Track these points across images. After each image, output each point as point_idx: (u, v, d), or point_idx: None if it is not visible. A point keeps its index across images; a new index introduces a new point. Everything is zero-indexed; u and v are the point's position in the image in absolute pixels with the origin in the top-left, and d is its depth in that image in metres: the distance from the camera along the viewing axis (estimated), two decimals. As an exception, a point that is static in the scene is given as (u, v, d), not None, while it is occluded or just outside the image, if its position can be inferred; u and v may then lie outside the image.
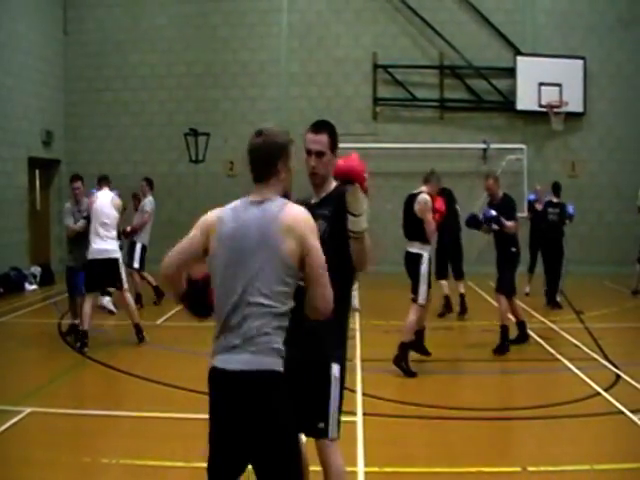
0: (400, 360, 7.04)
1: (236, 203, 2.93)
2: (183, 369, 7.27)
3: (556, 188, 11.67)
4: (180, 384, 6.56)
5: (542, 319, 10.14)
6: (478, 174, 13.21)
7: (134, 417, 5.93)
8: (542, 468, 4.74)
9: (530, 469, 4.74)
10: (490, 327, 8.91)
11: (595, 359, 7.75)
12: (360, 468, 4.61)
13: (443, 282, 10.33)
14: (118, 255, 8.57)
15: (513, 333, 8.30)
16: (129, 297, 8.66)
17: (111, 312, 10.50)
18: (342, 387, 3.43)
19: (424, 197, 7.26)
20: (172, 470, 4.73)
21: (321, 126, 3.50)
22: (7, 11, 13.84)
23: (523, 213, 12.01)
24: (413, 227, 7.28)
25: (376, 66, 15.79)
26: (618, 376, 6.98)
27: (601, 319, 10.24)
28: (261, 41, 16.11)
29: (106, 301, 10.51)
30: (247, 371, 2.71)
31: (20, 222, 14.25)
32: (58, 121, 16.13)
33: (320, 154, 3.44)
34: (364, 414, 5.25)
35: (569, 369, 7.34)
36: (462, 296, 10.37)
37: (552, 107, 15.22)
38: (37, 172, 15.50)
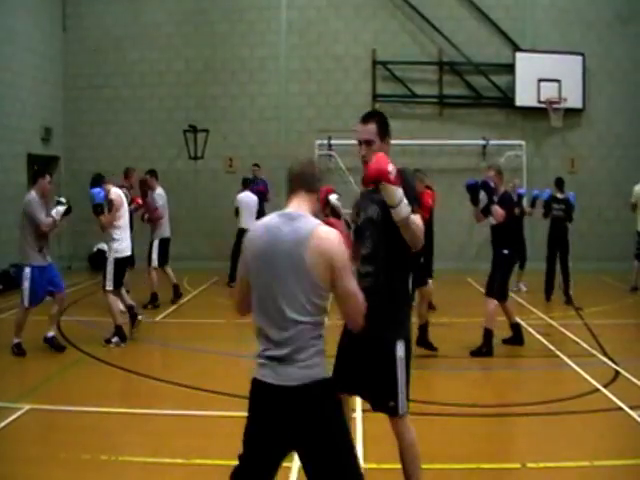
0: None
1: (271, 217, 2.97)
2: (182, 366, 7.23)
3: (559, 183, 11.59)
4: (179, 381, 6.50)
5: (541, 315, 10.15)
6: (477, 170, 13.18)
7: (133, 414, 5.92)
8: (541, 464, 4.75)
9: (529, 465, 4.75)
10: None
11: (594, 355, 7.76)
12: (359, 464, 4.61)
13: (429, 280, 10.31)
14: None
15: (502, 336, 8.20)
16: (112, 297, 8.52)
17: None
18: (408, 364, 3.59)
19: None
20: (172, 467, 4.71)
21: (369, 116, 3.76)
22: (6, 7, 13.78)
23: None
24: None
25: (375, 62, 15.75)
26: (617, 372, 7.00)
27: (600, 315, 10.26)
28: (260, 37, 16.07)
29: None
30: (294, 387, 2.77)
31: (19, 219, 14.16)
32: (57, 118, 16.09)
33: (369, 143, 3.68)
34: (363, 410, 5.25)
35: (568, 365, 7.35)
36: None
37: (551, 103, 15.20)
38: (36, 169, 15.43)
